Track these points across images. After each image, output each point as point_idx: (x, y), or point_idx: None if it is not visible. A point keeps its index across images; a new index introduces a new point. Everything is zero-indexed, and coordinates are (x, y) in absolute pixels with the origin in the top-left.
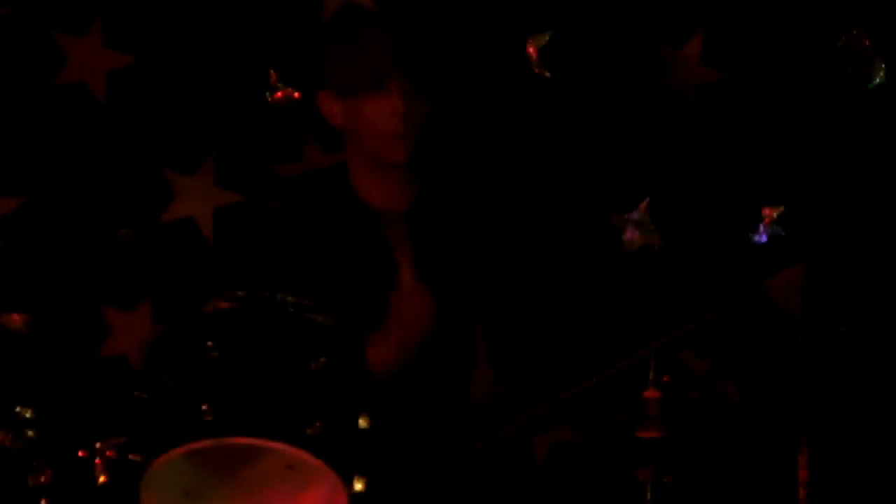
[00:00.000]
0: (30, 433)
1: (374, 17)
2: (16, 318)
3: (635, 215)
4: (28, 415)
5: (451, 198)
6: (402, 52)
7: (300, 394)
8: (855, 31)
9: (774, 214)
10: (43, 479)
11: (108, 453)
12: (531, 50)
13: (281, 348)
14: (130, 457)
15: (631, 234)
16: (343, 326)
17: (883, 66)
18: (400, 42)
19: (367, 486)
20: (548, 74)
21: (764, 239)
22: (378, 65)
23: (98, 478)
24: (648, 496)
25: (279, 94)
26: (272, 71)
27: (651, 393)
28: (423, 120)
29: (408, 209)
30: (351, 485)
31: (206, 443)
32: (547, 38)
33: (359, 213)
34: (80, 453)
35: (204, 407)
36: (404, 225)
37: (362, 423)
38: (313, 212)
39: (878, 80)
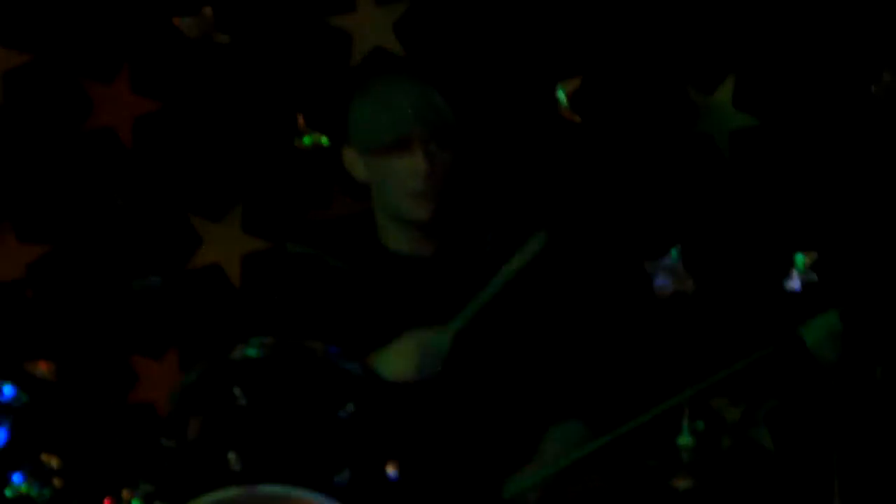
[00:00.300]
0: (56, 482)
1: (401, 65)
2: (43, 367)
3: (667, 261)
4: (55, 463)
5: (478, 244)
6: (425, 108)
7: (328, 442)
8: (889, 76)
9: (808, 260)
10: None
11: (134, 502)
12: (562, 95)
13: (308, 396)
14: None
15: (663, 281)
16: (371, 373)
17: None
18: (424, 96)
19: None
20: (578, 119)
21: (797, 285)
22: (400, 124)
23: None
24: None
25: (308, 140)
26: (300, 117)
27: (684, 440)
28: (448, 176)
29: (434, 254)
30: None
31: (234, 492)
32: (577, 82)
33: (386, 259)
34: (106, 501)
35: (231, 455)
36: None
37: (391, 471)
38: (341, 258)
39: None
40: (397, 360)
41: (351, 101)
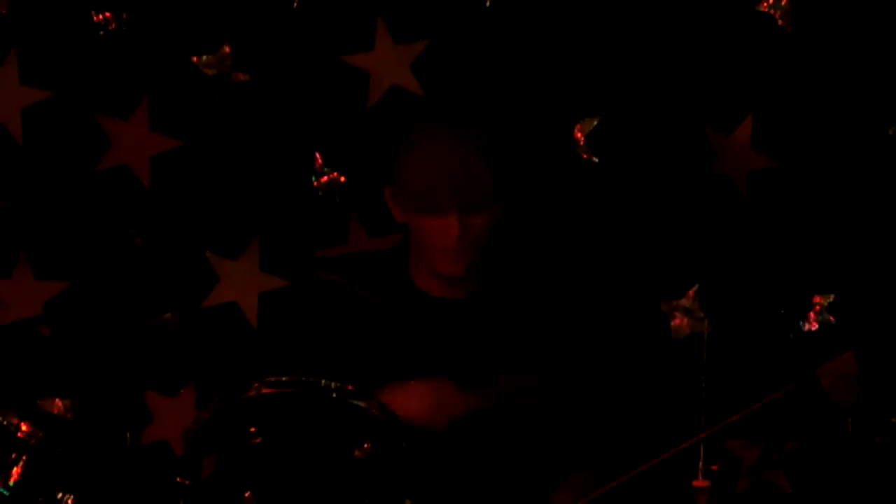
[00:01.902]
0: None
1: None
2: (59, 404)
3: (684, 302)
4: (70, 501)
5: (508, 288)
6: (465, 178)
7: (344, 480)
8: None
9: (825, 302)
10: None
11: None
12: (579, 135)
13: (324, 434)
14: None
15: (679, 322)
16: (387, 412)
17: None
18: (466, 163)
19: None
20: (595, 159)
21: (814, 327)
22: (440, 200)
23: None
24: None
25: (325, 178)
26: (318, 155)
27: (700, 482)
28: (482, 233)
29: (466, 299)
30: None
31: None
32: (595, 122)
33: (415, 297)
34: None
35: (247, 494)
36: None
37: None
38: (370, 290)
39: None
40: (411, 399)
41: (395, 149)
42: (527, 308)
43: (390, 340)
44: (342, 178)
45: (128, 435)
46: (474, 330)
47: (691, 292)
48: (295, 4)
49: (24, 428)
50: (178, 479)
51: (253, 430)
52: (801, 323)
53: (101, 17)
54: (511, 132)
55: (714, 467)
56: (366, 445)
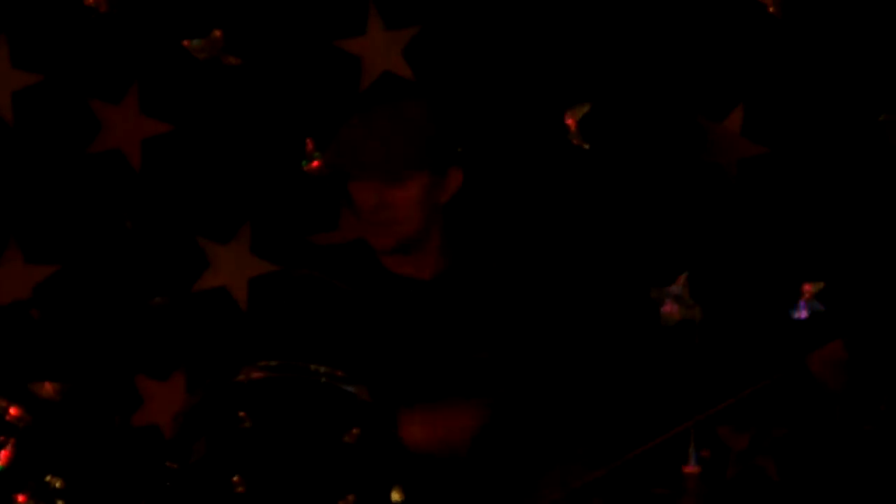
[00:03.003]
0: (60, 503)
1: (405, 91)
2: (48, 387)
3: (674, 289)
4: (59, 485)
5: (482, 270)
6: (378, 140)
7: (332, 466)
8: None
9: (814, 290)
10: None
11: None
12: (570, 121)
13: (313, 419)
14: None
15: (669, 308)
16: (376, 397)
17: None
18: (382, 126)
19: None
20: (586, 146)
21: (804, 314)
22: (353, 160)
23: None
24: None
25: (315, 163)
26: (309, 140)
27: (690, 468)
28: (412, 207)
29: (432, 279)
30: None
31: None
32: (586, 109)
33: (389, 282)
34: None
35: (235, 478)
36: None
37: (395, 496)
38: (346, 280)
39: None
40: (424, 427)
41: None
42: (498, 289)
43: (366, 325)
44: None
45: (117, 418)
46: (442, 310)
47: (681, 279)
48: None
49: (13, 411)
50: (168, 463)
51: (242, 414)
52: (790, 310)
53: (92, 0)
54: (461, 108)
55: (704, 453)
56: (355, 431)
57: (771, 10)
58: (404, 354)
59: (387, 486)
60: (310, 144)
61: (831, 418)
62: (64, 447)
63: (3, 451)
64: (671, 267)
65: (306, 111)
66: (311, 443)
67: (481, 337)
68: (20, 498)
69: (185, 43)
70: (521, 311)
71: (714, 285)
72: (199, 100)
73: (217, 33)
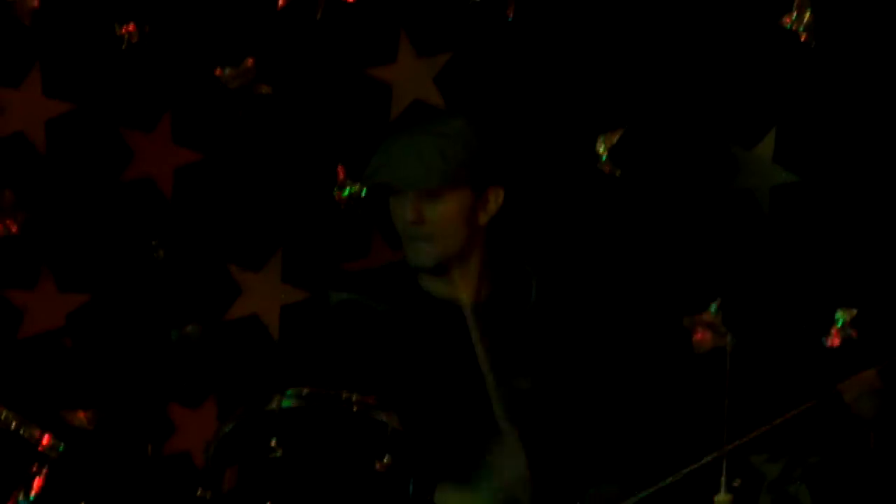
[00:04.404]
0: None
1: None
2: (81, 415)
3: (706, 316)
4: None
5: (518, 297)
6: (415, 155)
7: (364, 493)
8: None
9: (848, 317)
10: None
11: None
12: (601, 148)
13: (344, 447)
14: None
15: (702, 336)
16: (408, 426)
17: None
18: (433, 148)
19: None
20: (618, 173)
21: (837, 342)
22: (382, 171)
23: None
24: None
25: (347, 190)
26: (340, 168)
27: (723, 497)
28: (449, 223)
29: (475, 305)
30: None
31: None
32: (618, 136)
33: (428, 305)
34: None
35: None
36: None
37: None
38: (384, 303)
39: None
40: None
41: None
42: (540, 316)
43: (404, 348)
44: (364, 191)
45: (149, 446)
46: (483, 335)
47: (714, 306)
48: (318, 16)
49: (45, 440)
50: (199, 491)
51: (274, 442)
52: (823, 338)
53: (124, 29)
54: (503, 127)
55: (736, 482)
56: (386, 459)
57: (804, 38)
58: (441, 380)
59: None
60: (341, 172)
61: (865, 446)
62: (96, 475)
63: (36, 480)
64: (703, 294)
65: (337, 139)
66: (341, 470)
67: (522, 364)
68: None
69: (217, 72)
70: (561, 339)
71: (746, 313)
72: (231, 128)
73: (249, 62)
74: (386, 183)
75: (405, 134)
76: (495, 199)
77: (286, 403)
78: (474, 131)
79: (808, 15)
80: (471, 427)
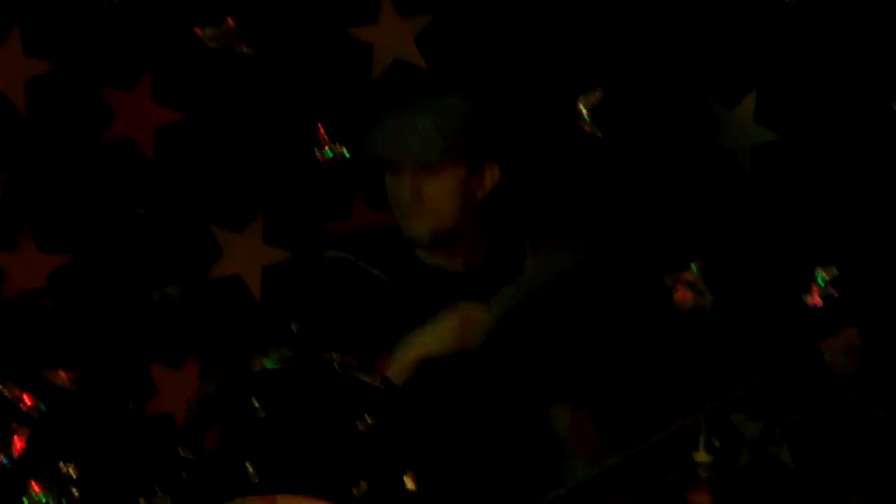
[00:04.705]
0: (74, 491)
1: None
2: (62, 375)
3: (687, 275)
4: (73, 473)
5: (511, 262)
6: (417, 136)
7: (346, 454)
8: None
9: (828, 276)
10: None
11: None
12: (582, 108)
13: (326, 408)
14: None
15: (682, 295)
16: (390, 385)
17: None
18: (430, 123)
19: None
20: (599, 134)
21: (817, 301)
22: (378, 146)
23: None
24: None
25: (328, 151)
26: (321, 128)
27: (702, 456)
28: (444, 199)
29: (466, 271)
30: None
31: (252, 502)
32: (598, 96)
33: (421, 271)
34: None
35: (249, 466)
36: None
37: (408, 483)
38: (377, 266)
39: None
40: (437, 333)
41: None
42: (533, 280)
43: (395, 313)
44: (346, 152)
45: (131, 406)
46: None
47: (694, 265)
48: None
49: (27, 400)
50: (181, 451)
51: (255, 403)
52: (803, 296)
53: None
54: (498, 103)
55: (716, 441)
56: (369, 419)
57: None
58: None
59: (400, 474)
60: (323, 133)
61: (845, 405)
62: (78, 435)
63: (17, 440)
64: (684, 254)
65: (318, 99)
66: (324, 431)
67: (512, 329)
68: (34, 486)
69: (198, 31)
70: (549, 302)
71: (727, 272)
72: (212, 88)
73: (230, 22)
74: (383, 158)
75: (402, 109)
76: (491, 175)
77: (268, 364)
78: (471, 107)
79: None
80: (461, 395)
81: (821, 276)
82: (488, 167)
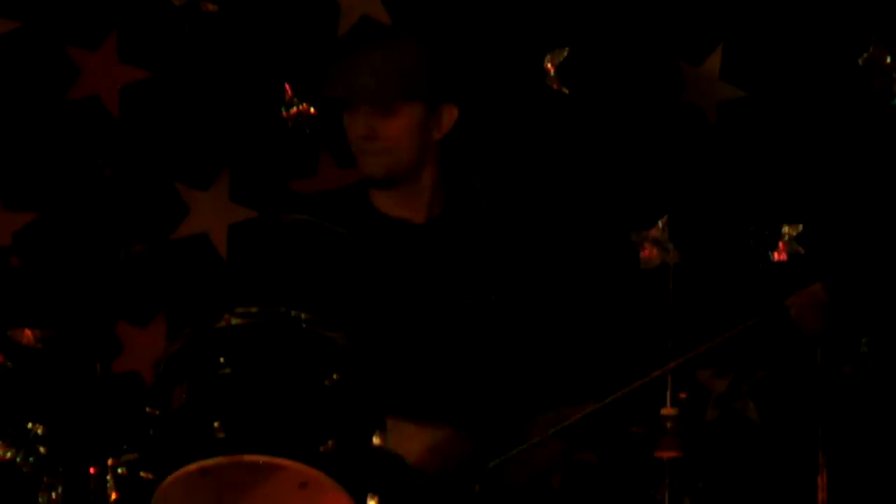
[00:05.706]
0: (41, 450)
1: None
2: (28, 334)
3: (653, 232)
4: (39, 431)
5: (470, 214)
6: (369, 69)
7: (313, 411)
8: (876, 48)
9: (794, 232)
10: (54, 496)
11: (119, 470)
12: (549, 65)
13: (293, 365)
14: (142, 474)
15: (649, 252)
16: (356, 343)
17: None
18: (387, 63)
19: None
20: (566, 90)
21: (783, 257)
22: (344, 86)
23: (109, 495)
24: None
25: (294, 109)
26: (288, 86)
27: (668, 410)
28: (402, 138)
29: (426, 223)
30: (364, 503)
31: (219, 460)
32: (565, 53)
33: (380, 224)
34: (91, 470)
35: (216, 424)
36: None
37: (376, 440)
38: (329, 225)
39: None
40: (416, 444)
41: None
42: (489, 233)
43: (357, 268)
44: (312, 110)
45: (98, 365)
46: (435, 253)
47: (661, 222)
48: None
49: None
50: (148, 409)
51: (222, 360)
52: (770, 253)
53: None
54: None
55: (682, 395)
56: (335, 376)
57: None
58: (393, 298)
59: (368, 432)
60: (288, 90)
61: (811, 360)
62: (44, 394)
63: None
64: (651, 210)
65: (284, 57)
66: (291, 388)
67: (471, 282)
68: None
69: None
70: (510, 257)
71: (693, 229)
72: (178, 46)
73: None
74: (340, 97)
75: (360, 50)
76: (449, 116)
77: (235, 321)
78: (427, 49)
79: None
80: (422, 349)
81: (787, 232)
82: (446, 108)
